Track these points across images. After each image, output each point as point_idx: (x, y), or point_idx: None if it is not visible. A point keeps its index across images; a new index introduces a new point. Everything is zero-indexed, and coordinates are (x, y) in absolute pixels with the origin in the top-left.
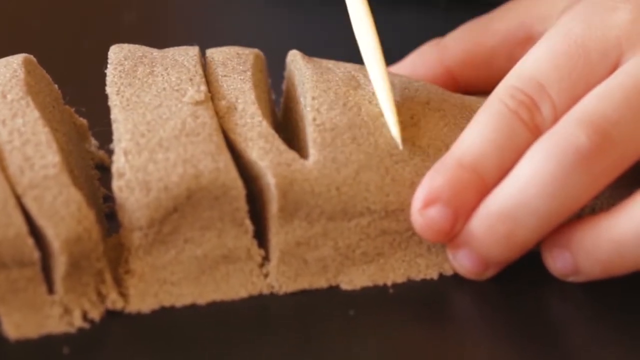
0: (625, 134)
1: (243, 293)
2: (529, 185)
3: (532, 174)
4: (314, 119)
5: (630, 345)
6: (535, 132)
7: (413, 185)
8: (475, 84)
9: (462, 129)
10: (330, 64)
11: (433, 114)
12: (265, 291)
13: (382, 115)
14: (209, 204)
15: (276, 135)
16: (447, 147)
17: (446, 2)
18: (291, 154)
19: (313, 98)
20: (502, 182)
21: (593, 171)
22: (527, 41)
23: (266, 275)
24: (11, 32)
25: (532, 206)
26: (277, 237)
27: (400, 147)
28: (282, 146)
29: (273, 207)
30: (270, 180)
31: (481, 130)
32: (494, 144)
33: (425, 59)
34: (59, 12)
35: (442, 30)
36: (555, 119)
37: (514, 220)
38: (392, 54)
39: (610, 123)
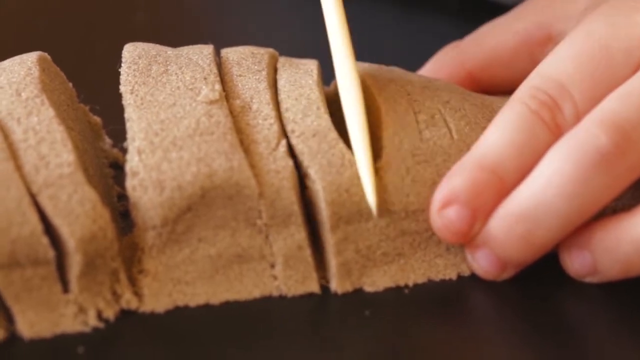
0: None
1: (256, 293)
2: (549, 186)
3: (552, 174)
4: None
5: None
6: (556, 132)
7: (434, 186)
8: (497, 85)
9: (483, 128)
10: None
11: (454, 113)
12: (276, 293)
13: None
14: (222, 203)
15: (283, 141)
16: (468, 147)
17: (458, 7)
18: (284, 162)
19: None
20: (522, 183)
21: (614, 172)
22: (547, 41)
23: (275, 278)
24: (25, 31)
25: (552, 207)
26: (277, 243)
27: (375, 213)
28: (280, 153)
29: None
30: (254, 190)
31: (501, 131)
32: (514, 145)
33: (446, 63)
34: (74, 10)
35: (455, 35)
36: (577, 119)
37: (534, 221)
38: (408, 59)
39: (631, 124)
